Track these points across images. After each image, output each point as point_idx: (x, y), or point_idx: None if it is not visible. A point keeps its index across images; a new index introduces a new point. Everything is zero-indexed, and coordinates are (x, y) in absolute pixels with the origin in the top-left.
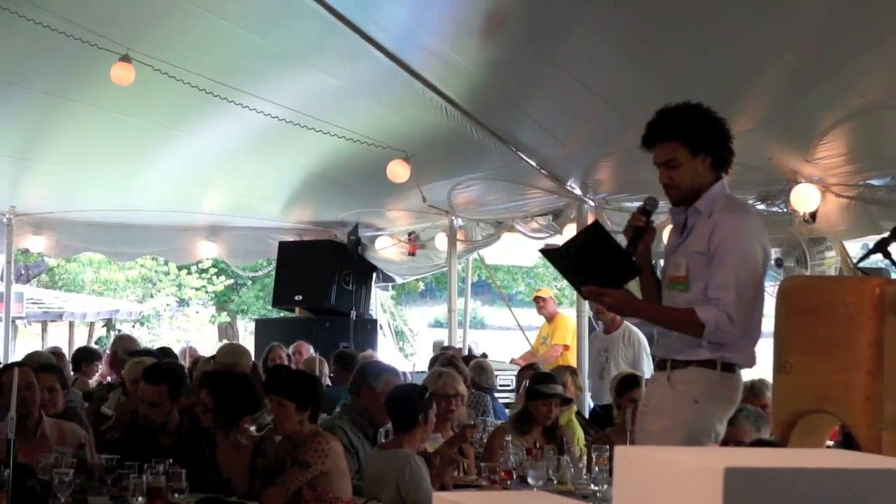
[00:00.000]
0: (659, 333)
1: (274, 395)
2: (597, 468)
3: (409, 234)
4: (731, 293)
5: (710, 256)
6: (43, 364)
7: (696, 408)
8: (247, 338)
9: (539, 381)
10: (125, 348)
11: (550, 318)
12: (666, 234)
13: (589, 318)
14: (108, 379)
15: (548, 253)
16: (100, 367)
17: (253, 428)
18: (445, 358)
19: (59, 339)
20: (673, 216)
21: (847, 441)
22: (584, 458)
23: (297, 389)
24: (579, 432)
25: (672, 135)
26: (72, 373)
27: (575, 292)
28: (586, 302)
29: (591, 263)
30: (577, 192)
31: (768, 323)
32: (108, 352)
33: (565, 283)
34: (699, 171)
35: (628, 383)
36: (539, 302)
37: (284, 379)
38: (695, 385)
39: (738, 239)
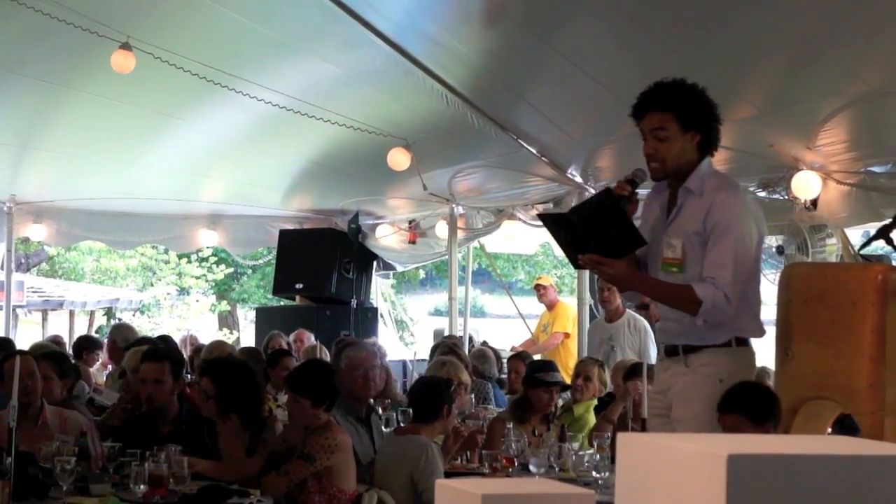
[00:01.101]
0: (664, 319)
1: (290, 392)
2: (599, 455)
3: (410, 223)
4: (728, 272)
5: (705, 236)
6: (43, 352)
7: (722, 387)
8: (247, 326)
9: (538, 369)
10: (124, 337)
11: (551, 306)
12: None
13: (590, 305)
14: (109, 368)
15: (546, 217)
16: (100, 355)
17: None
18: (447, 346)
19: (59, 327)
20: (655, 195)
21: (843, 426)
22: (586, 446)
23: (313, 386)
24: (591, 424)
25: (665, 106)
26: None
27: (575, 280)
28: (587, 290)
29: (596, 232)
30: (578, 179)
31: (770, 310)
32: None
33: (565, 271)
34: (686, 149)
35: (635, 372)
36: (539, 290)
37: (300, 375)
38: (716, 366)
39: (735, 217)
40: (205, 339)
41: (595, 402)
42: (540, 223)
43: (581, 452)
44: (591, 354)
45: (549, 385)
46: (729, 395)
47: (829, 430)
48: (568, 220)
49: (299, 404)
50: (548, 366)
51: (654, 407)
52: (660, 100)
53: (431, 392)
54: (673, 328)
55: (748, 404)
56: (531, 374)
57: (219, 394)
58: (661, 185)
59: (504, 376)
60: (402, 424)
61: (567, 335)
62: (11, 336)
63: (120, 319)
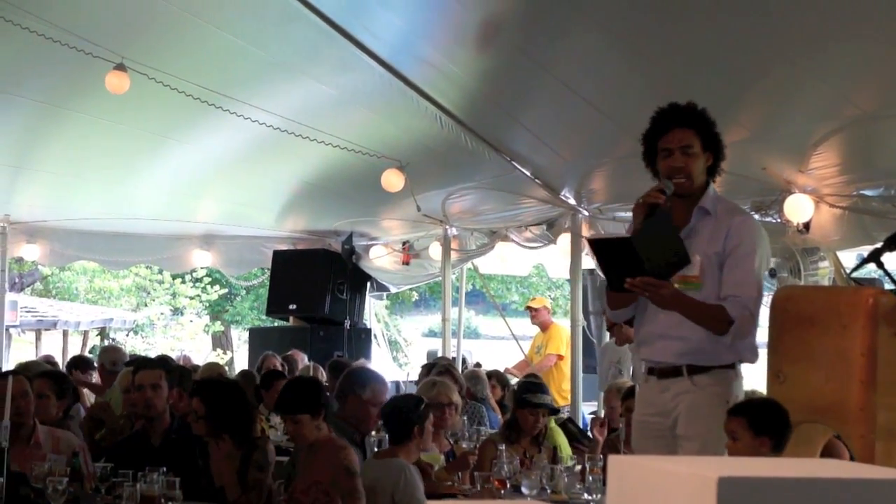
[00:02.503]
0: (663, 338)
1: (286, 416)
2: (591, 477)
3: (404, 244)
4: (754, 291)
5: (723, 256)
6: (42, 371)
7: (728, 409)
8: (241, 347)
9: (527, 390)
10: (111, 360)
11: (544, 328)
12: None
13: (583, 327)
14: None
15: (598, 242)
16: (93, 375)
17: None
18: (442, 367)
19: (52, 347)
20: (635, 217)
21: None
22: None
23: (305, 400)
24: (561, 440)
25: (690, 123)
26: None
27: (568, 302)
28: (580, 311)
29: (652, 252)
30: (572, 201)
31: (762, 333)
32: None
33: (559, 292)
34: (701, 169)
35: (629, 394)
36: (532, 311)
37: (287, 396)
38: (722, 387)
39: (756, 240)
40: (198, 359)
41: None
42: (534, 245)
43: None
44: (601, 375)
45: (535, 407)
46: (742, 402)
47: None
48: (624, 243)
49: (300, 424)
50: (536, 387)
51: (651, 429)
52: (685, 117)
53: (402, 413)
54: (674, 348)
55: (752, 411)
56: (519, 395)
57: (209, 414)
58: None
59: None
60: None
61: (560, 357)
62: (4, 356)
63: (114, 339)
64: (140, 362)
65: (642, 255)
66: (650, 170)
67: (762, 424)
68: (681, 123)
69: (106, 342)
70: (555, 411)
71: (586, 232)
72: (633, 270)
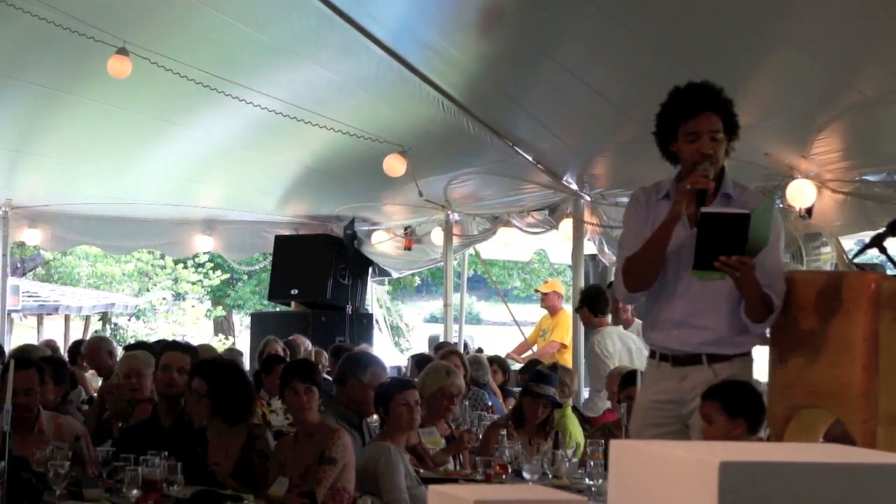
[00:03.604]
0: (682, 326)
1: (302, 384)
2: (592, 462)
3: (406, 229)
4: (782, 281)
5: None
6: (41, 357)
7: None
8: (242, 332)
9: (533, 378)
10: (108, 350)
11: (553, 312)
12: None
13: None
14: None
15: (711, 216)
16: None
17: None
18: (448, 351)
19: (54, 332)
20: (655, 197)
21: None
22: (580, 452)
23: (316, 377)
24: (573, 428)
25: (718, 107)
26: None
27: (570, 288)
28: None
29: (756, 235)
30: (574, 187)
31: None
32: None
33: (561, 278)
34: (723, 155)
35: (629, 380)
36: (543, 294)
37: (307, 367)
38: (742, 375)
39: (780, 228)
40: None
41: (570, 405)
42: (536, 230)
43: (574, 459)
44: None
45: (537, 397)
46: (715, 385)
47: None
48: (740, 220)
49: (312, 395)
50: (543, 377)
51: (658, 414)
52: (714, 101)
53: (379, 400)
54: (696, 337)
55: (726, 394)
56: (527, 383)
57: (210, 391)
58: (661, 186)
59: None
60: None
61: (564, 346)
62: (6, 340)
63: (116, 324)
64: (169, 344)
65: (750, 234)
66: (663, 152)
67: (736, 407)
68: (711, 107)
69: (108, 327)
70: (557, 405)
71: (588, 217)
72: (732, 248)
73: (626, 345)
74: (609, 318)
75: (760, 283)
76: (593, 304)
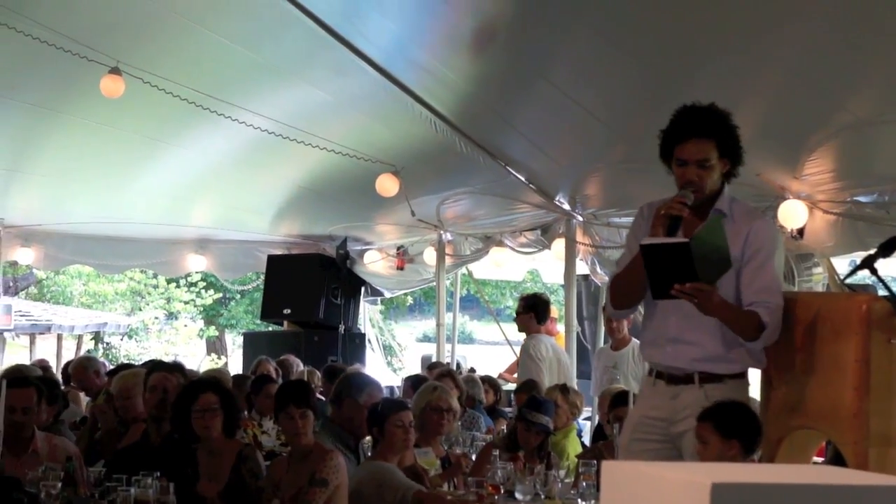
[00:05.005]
0: (676, 342)
1: (297, 409)
2: (584, 483)
3: (398, 249)
4: (779, 296)
5: (742, 261)
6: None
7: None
8: (235, 351)
9: (530, 404)
10: (95, 370)
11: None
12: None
13: (577, 333)
14: None
15: (651, 247)
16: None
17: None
18: (443, 371)
19: (47, 351)
20: (647, 217)
21: (836, 458)
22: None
23: (311, 400)
24: (571, 450)
25: (709, 132)
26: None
27: (563, 308)
28: (574, 317)
29: (708, 259)
30: (566, 207)
31: None
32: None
33: (553, 297)
34: (716, 177)
35: (620, 400)
36: None
37: (303, 390)
38: (737, 397)
39: (776, 244)
40: (192, 364)
41: (574, 427)
42: (529, 250)
43: (567, 480)
44: (595, 381)
45: (529, 424)
46: (710, 406)
47: (821, 459)
48: (680, 249)
49: (307, 419)
50: (538, 405)
51: (649, 429)
52: (705, 126)
53: (373, 420)
54: (688, 353)
55: (720, 415)
56: (521, 409)
57: (224, 404)
58: (653, 207)
59: (508, 408)
60: None
61: None
62: None
63: (108, 344)
64: (156, 365)
65: (696, 260)
66: (666, 166)
67: (730, 428)
68: (699, 133)
69: (101, 346)
70: (548, 433)
71: (581, 237)
72: (683, 276)
73: (557, 355)
74: (544, 327)
75: (744, 301)
76: (541, 311)
